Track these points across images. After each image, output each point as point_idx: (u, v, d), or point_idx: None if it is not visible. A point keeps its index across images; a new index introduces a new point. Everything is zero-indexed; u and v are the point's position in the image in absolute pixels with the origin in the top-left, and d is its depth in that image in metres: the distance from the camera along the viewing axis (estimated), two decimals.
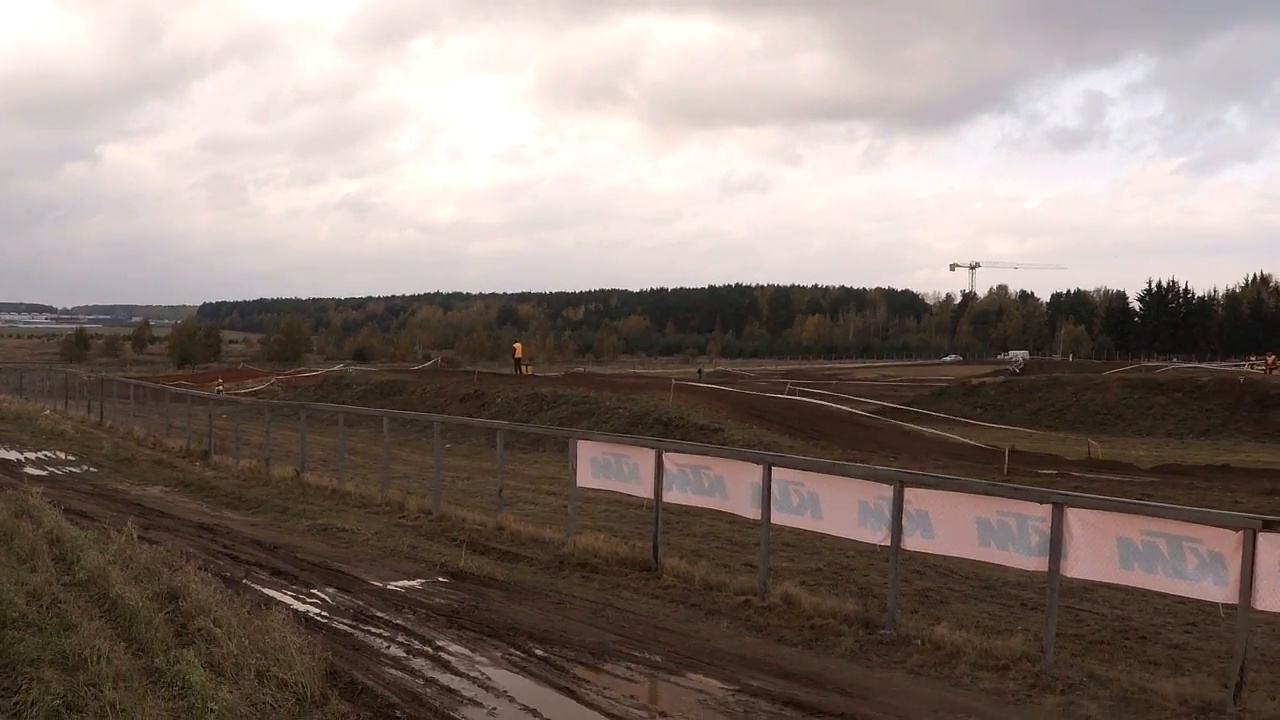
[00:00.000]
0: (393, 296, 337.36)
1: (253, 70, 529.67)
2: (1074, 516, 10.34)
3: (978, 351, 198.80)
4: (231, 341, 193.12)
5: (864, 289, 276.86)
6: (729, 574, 14.69)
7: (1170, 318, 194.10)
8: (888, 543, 11.99)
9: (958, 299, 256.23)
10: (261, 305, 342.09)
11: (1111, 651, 11.68)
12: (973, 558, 11.98)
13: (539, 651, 11.05)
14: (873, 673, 10.75)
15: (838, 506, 12.63)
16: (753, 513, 13.77)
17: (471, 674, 10.30)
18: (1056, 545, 10.31)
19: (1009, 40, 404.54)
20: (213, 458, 29.37)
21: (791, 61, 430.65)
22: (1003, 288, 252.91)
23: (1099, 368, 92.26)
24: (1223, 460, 35.08)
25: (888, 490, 11.98)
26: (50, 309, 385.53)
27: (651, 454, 15.49)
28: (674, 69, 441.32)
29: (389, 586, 14.07)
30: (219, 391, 52.78)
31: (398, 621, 12.22)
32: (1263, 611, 9.44)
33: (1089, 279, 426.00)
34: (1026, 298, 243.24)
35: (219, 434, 31.87)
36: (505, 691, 9.80)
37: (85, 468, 28.07)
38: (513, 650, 11.09)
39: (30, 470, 26.57)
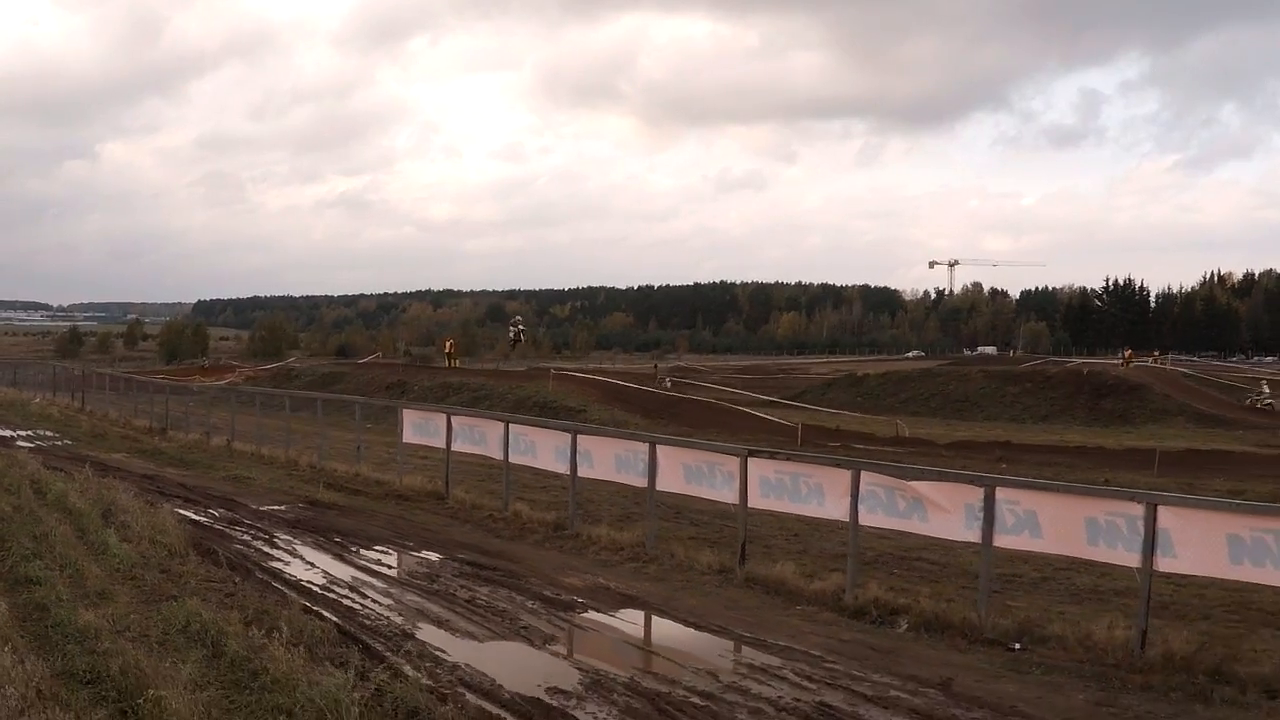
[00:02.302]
0: (384, 294, 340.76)
1: (250, 69, 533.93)
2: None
3: (944, 347, 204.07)
4: (222, 338, 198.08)
5: (842, 286, 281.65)
6: (492, 500, 21.05)
7: (1127, 315, 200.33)
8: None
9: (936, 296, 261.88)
10: (255, 303, 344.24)
11: (687, 540, 17.37)
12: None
13: (337, 539, 17.63)
14: (538, 551, 17.22)
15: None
16: (505, 457, 20.42)
17: (286, 549, 16.86)
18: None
19: (1003, 39, 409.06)
20: (169, 433, 35.85)
21: (787, 60, 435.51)
22: (977, 285, 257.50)
23: (1016, 361, 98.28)
24: (1019, 439, 40.90)
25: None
26: (46, 306, 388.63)
27: (443, 417, 22.40)
28: (670, 67, 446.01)
29: (260, 508, 20.72)
30: (196, 381, 59.06)
31: (255, 525, 18.88)
32: (752, 509, 15.41)
33: (1083, 276, 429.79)
34: (996, 295, 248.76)
35: (179, 416, 38.35)
36: (302, 555, 16.34)
37: (65, 441, 34.29)
38: (321, 538, 17.65)
39: (21, 443, 33.01)
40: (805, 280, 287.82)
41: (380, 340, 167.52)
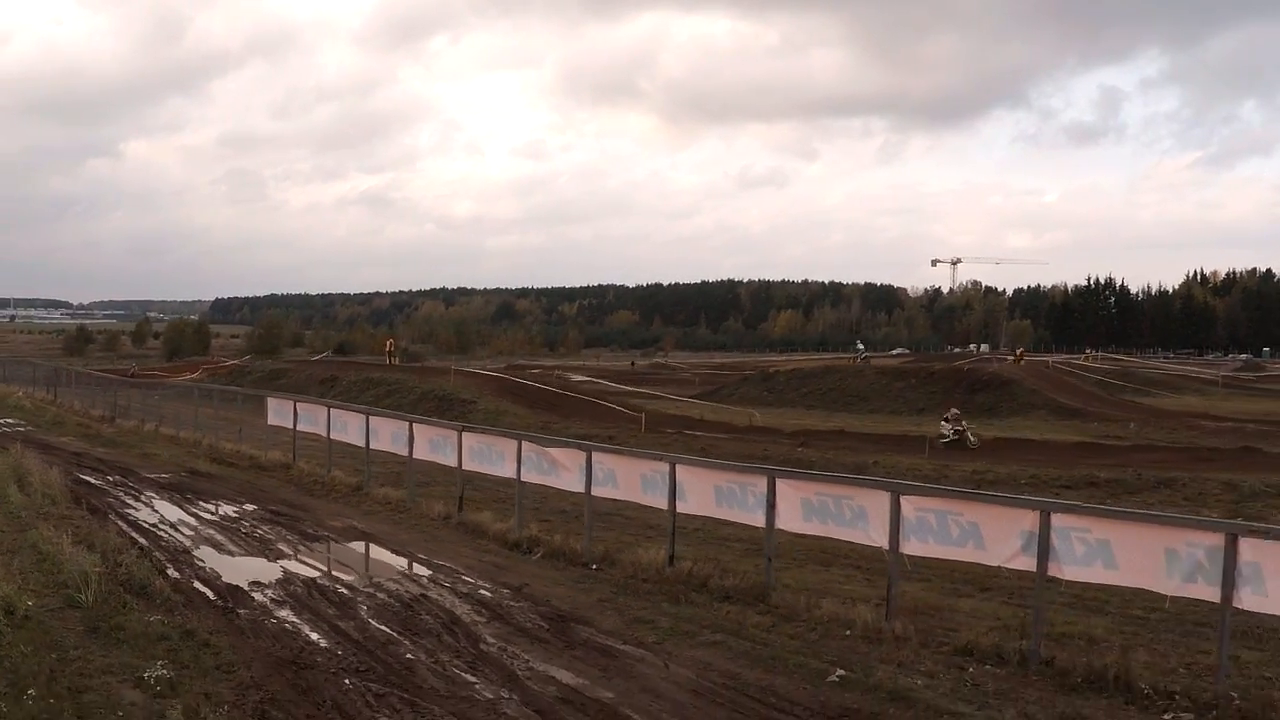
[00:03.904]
0: (399, 292, 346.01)
1: (273, 68, 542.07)
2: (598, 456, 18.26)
3: (933, 345, 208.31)
4: (233, 336, 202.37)
5: (842, 284, 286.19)
6: (321, 469, 26.44)
7: (1106, 313, 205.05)
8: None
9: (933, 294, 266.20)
10: (271, 300, 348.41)
11: (442, 498, 21.95)
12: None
13: (189, 496, 23.39)
14: (329, 504, 22.84)
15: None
16: (328, 434, 26.23)
17: (145, 502, 22.62)
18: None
19: (1022, 37, 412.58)
20: (117, 421, 41.45)
21: (807, 57, 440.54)
22: (976, 283, 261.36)
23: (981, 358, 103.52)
24: (860, 428, 45.90)
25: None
26: (67, 304, 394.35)
27: (291, 404, 28.35)
28: (690, 65, 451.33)
29: (148, 475, 26.49)
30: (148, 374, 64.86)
31: (134, 486, 24.71)
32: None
33: (1107, 271, 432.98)
34: (990, 293, 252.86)
35: (137, 408, 43.86)
36: (154, 506, 22.09)
37: (27, 427, 39.60)
38: (177, 495, 23.41)
39: None
40: (818, 278, 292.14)
41: (379, 339, 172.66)
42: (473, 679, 11.16)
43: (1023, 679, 11.36)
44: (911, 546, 13.12)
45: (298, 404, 28.93)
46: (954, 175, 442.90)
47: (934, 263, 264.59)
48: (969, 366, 69.93)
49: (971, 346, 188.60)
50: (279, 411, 29.69)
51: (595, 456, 17.79)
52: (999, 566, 12.86)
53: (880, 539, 13.34)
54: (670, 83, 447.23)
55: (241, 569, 16.38)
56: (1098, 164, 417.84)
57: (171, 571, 15.92)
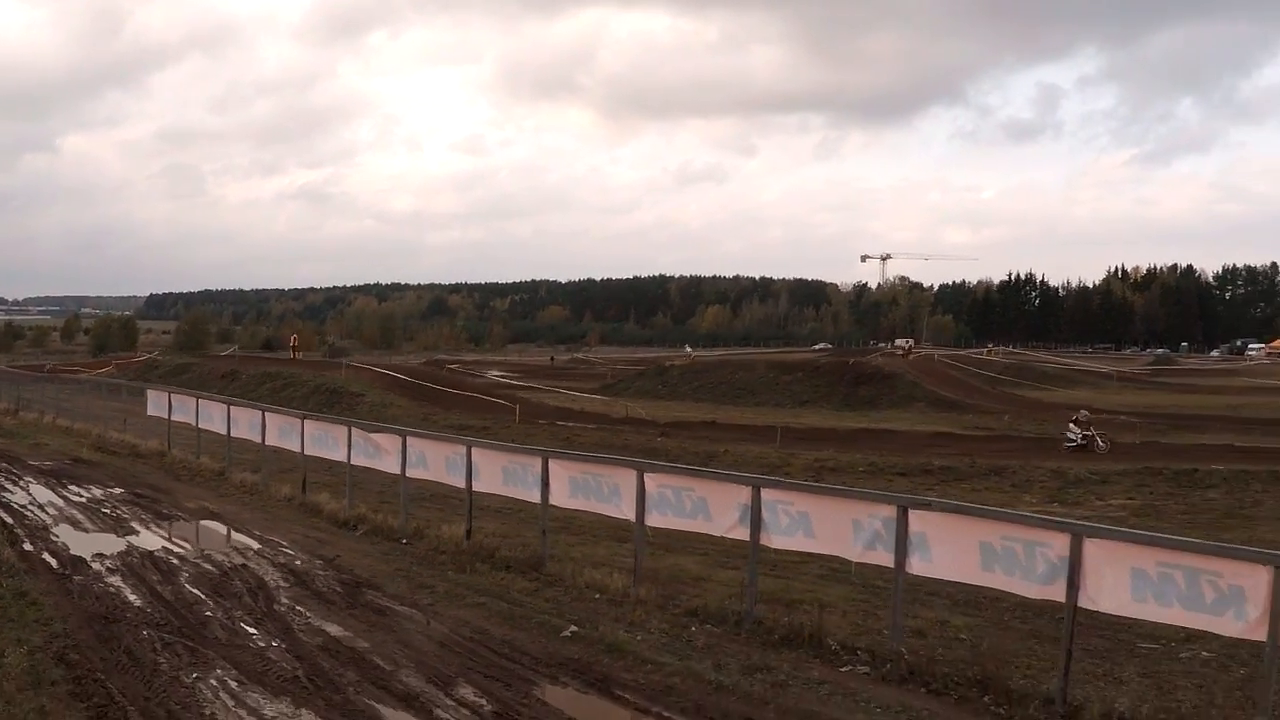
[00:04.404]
0: (334, 287, 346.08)
1: (212, 62, 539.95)
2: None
3: (857, 339, 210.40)
4: (164, 332, 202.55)
5: (772, 279, 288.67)
6: (191, 455, 28.54)
7: (1026, 308, 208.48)
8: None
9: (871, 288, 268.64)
10: (206, 296, 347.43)
11: (297, 482, 23.80)
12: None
13: (66, 481, 25.29)
14: (190, 488, 24.78)
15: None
16: (196, 423, 28.15)
17: (23, 486, 24.52)
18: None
19: (960, 34, 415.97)
20: (19, 414, 43.16)
21: (746, 54, 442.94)
22: (904, 279, 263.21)
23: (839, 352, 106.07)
24: (731, 420, 48.07)
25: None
26: (1, 300, 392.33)
27: (166, 395, 30.31)
28: (630, 61, 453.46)
29: (32, 463, 28.37)
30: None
31: (17, 473, 26.52)
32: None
33: (1041, 268, 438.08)
34: (915, 288, 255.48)
35: (43, 400, 45.56)
36: (30, 490, 23.96)
37: None
38: (54, 481, 25.30)
39: None
40: (757, 274, 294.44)
41: (304, 334, 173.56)
42: (254, 631, 12.95)
43: (734, 636, 12.84)
44: (654, 519, 14.60)
45: (171, 395, 31.02)
46: (892, 171, 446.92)
47: (863, 258, 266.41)
48: (854, 361, 72.16)
49: (898, 341, 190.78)
50: (157, 403, 31.74)
51: (410, 441, 19.81)
52: (722, 536, 14.13)
53: (629, 513, 14.85)
54: (610, 78, 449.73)
55: (91, 543, 18.15)
56: (1035, 161, 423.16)
57: (26, 545, 17.79)
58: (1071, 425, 39.82)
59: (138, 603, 14.19)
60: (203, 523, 20.71)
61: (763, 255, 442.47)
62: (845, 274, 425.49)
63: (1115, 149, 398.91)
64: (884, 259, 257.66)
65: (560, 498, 16.23)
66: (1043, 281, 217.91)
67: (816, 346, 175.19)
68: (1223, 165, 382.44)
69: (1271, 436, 44.29)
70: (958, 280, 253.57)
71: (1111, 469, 31.85)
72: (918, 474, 31.58)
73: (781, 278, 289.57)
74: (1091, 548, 10.46)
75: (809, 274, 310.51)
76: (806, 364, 70.40)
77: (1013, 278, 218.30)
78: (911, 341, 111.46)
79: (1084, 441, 38.38)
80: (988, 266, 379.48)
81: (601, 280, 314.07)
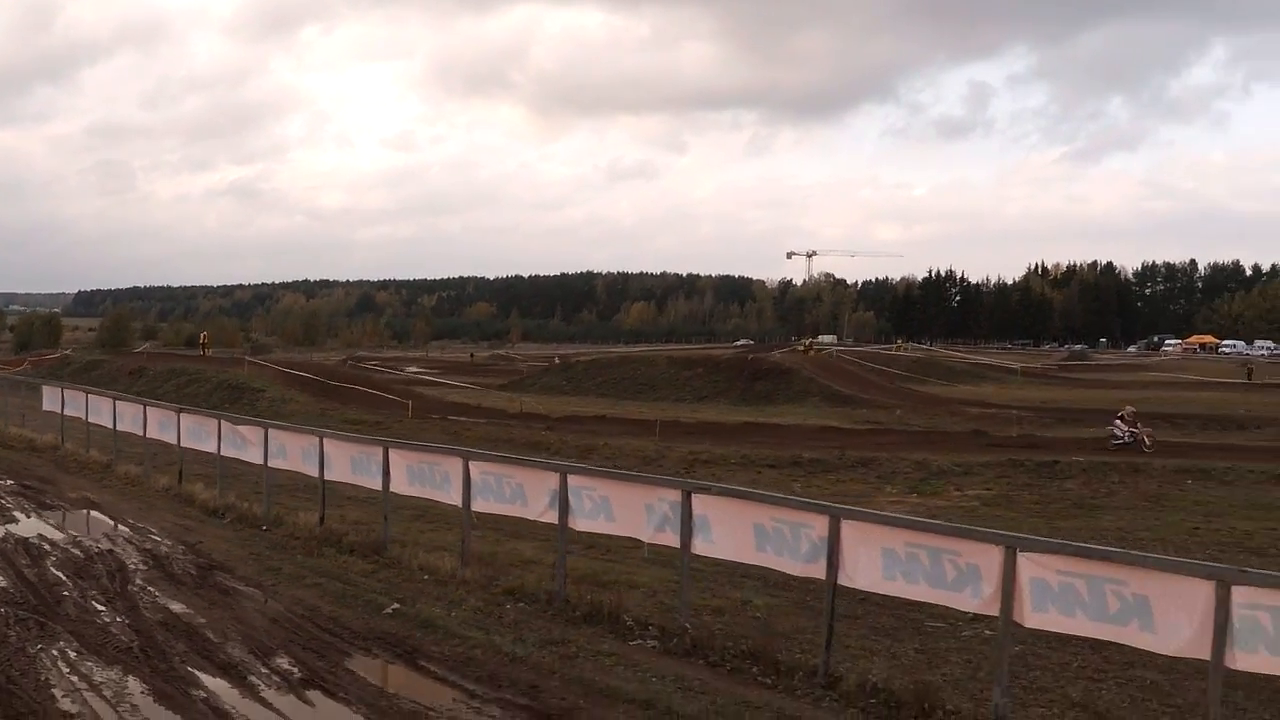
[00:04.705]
0: (262, 284, 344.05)
1: (144, 57, 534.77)
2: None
3: (779, 335, 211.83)
4: (90, 329, 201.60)
5: (698, 275, 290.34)
6: (82, 449, 29.66)
7: (947, 304, 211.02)
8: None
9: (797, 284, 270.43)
10: (135, 293, 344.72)
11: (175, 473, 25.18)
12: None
13: None
14: (76, 479, 25.92)
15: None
16: (85, 417, 29.29)
17: None
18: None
19: (892, 32, 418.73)
20: None
21: (678, 50, 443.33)
22: (828, 275, 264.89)
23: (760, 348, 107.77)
24: (619, 414, 49.16)
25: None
26: None
27: (60, 390, 31.48)
28: (562, 57, 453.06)
29: None
30: None
31: None
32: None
33: (973, 265, 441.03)
34: (839, 285, 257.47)
35: None
36: None
37: None
38: None
39: None
40: (688, 271, 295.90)
41: (228, 331, 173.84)
42: (103, 609, 14.05)
43: (542, 614, 13.77)
44: (479, 504, 15.66)
45: (65, 391, 32.12)
46: (824, 168, 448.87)
47: (789, 255, 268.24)
48: (752, 357, 73.82)
49: (821, 337, 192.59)
50: (51, 398, 32.83)
51: (271, 433, 21.15)
52: (536, 519, 15.04)
53: (457, 499, 16.00)
54: (541, 75, 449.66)
55: None
56: (967, 158, 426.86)
57: None
58: (1117, 422, 39.50)
59: (2, 583, 15.26)
60: (81, 512, 21.84)
61: (693, 252, 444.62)
62: (774, 271, 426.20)
63: (1046, 146, 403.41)
64: (809, 256, 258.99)
65: (400, 485, 17.37)
66: (963, 278, 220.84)
67: (738, 343, 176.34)
68: (1152, 163, 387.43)
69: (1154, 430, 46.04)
70: (881, 277, 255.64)
71: (975, 460, 33.34)
72: (787, 466, 32.78)
73: (710, 274, 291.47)
74: (848, 529, 11.24)
75: (740, 271, 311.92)
76: (706, 360, 71.88)
77: (933, 274, 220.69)
78: (811, 339, 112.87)
79: (1130, 439, 38.07)
80: (919, 263, 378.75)
81: (530, 277, 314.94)
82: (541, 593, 14.49)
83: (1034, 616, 10.01)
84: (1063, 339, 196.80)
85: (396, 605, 14.14)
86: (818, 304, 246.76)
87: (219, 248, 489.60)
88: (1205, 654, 8.98)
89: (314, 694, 10.93)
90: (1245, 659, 8.83)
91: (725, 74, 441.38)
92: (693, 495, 12.78)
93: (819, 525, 11.40)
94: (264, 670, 11.56)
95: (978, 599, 10.31)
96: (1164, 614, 9.25)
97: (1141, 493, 29.56)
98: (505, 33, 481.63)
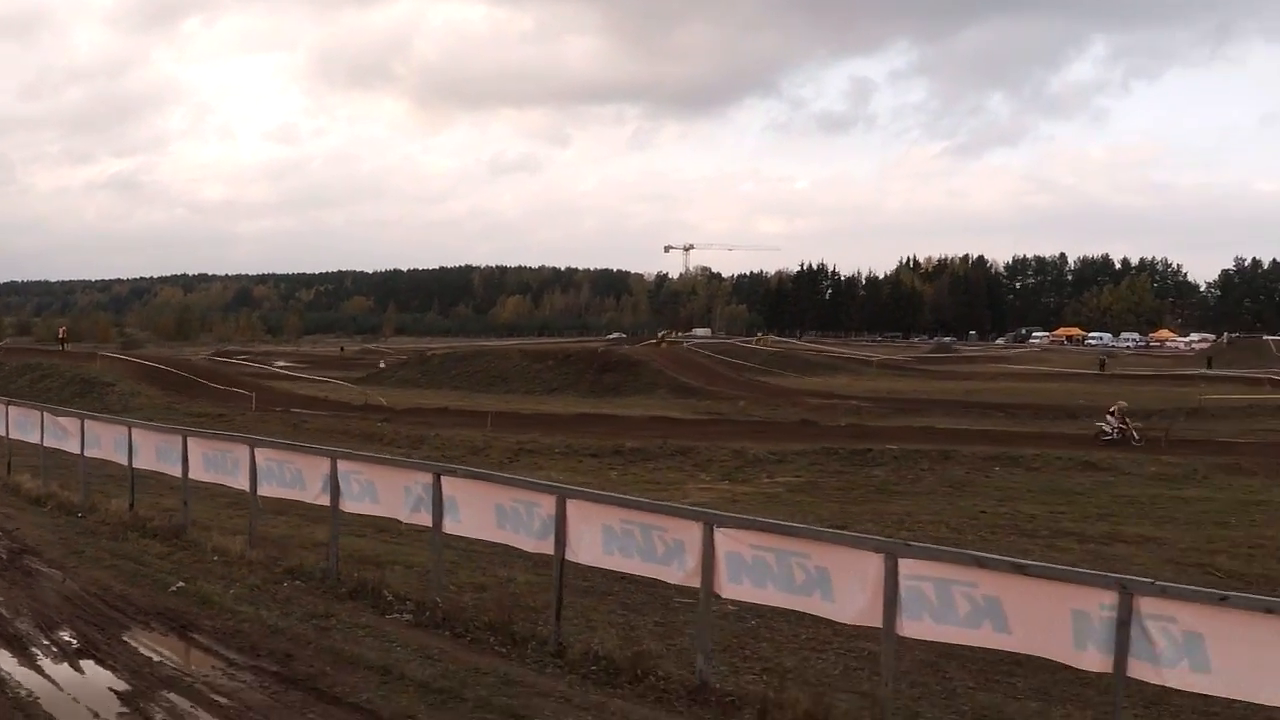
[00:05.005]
0: (140, 278, 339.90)
1: (22, 48, 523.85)
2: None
3: (654, 328, 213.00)
4: None
5: (576, 269, 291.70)
6: None
7: (819, 298, 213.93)
8: None
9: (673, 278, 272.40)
10: (12, 288, 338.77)
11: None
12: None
13: None
14: None
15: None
16: None
17: None
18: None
19: (776, 27, 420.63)
20: None
21: (561, 44, 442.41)
22: (704, 269, 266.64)
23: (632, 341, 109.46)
24: (465, 406, 50.19)
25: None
26: None
27: None
28: (445, 50, 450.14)
29: None
30: None
31: None
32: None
33: (853, 259, 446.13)
34: (714, 279, 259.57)
35: None
36: None
37: None
38: None
39: None
40: (571, 265, 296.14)
41: (100, 326, 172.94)
42: None
43: (314, 590, 14.37)
44: (264, 489, 16.44)
45: None
46: (706, 162, 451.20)
47: (666, 249, 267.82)
48: (603, 349, 75.37)
49: (695, 330, 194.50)
50: None
51: (87, 424, 22.22)
52: (312, 502, 15.65)
53: (244, 484, 16.81)
54: (424, 67, 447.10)
55: None
56: (848, 152, 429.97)
57: None
58: (1108, 417, 40.43)
59: None
60: None
61: (575, 246, 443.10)
62: (654, 265, 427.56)
63: (927, 141, 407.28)
64: (687, 249, 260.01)
65: (197, 471, 18.37)
66: (834, 272, 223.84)
67: (610, 336, 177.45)
68: (1032, 158, 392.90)
69: (985, 419, 48.86)
70: (757, 270, 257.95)
71: (792, 449, 34.88)
72: (609, 455, 34.26)
73: (588, 268, 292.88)
74: (573, 507, 11.92)
75: (621, 265, 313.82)
76: (558, 353, 73.16)
77: (805, 268, 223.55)
78: (666, 332, 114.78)
79: (1118, 435, 39.14)
80: (800, 256, 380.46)
81: (409, 271, 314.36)
82: (317, 571, 15.19)
83: (730, 588, 10.67)
84: (933, 331, 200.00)
85: (181, 584, 14.73)
86: (693, 297, 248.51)
87: (99, 241, 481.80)
88: (878, 622, 9.63)
89: (86, 663, 11.55)
90: (912, 626, 9.50)
91: (609, 68, 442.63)
92: (442, 477, 13.54)
93: (547, 504, 12.14)
94: (45, 642, 12.21)
95: (682, 572, 10.92)
96: (842, 585, 9.89)
97: (947, 479, 31.26)
98: (388, 25, 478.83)
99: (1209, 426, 47.43)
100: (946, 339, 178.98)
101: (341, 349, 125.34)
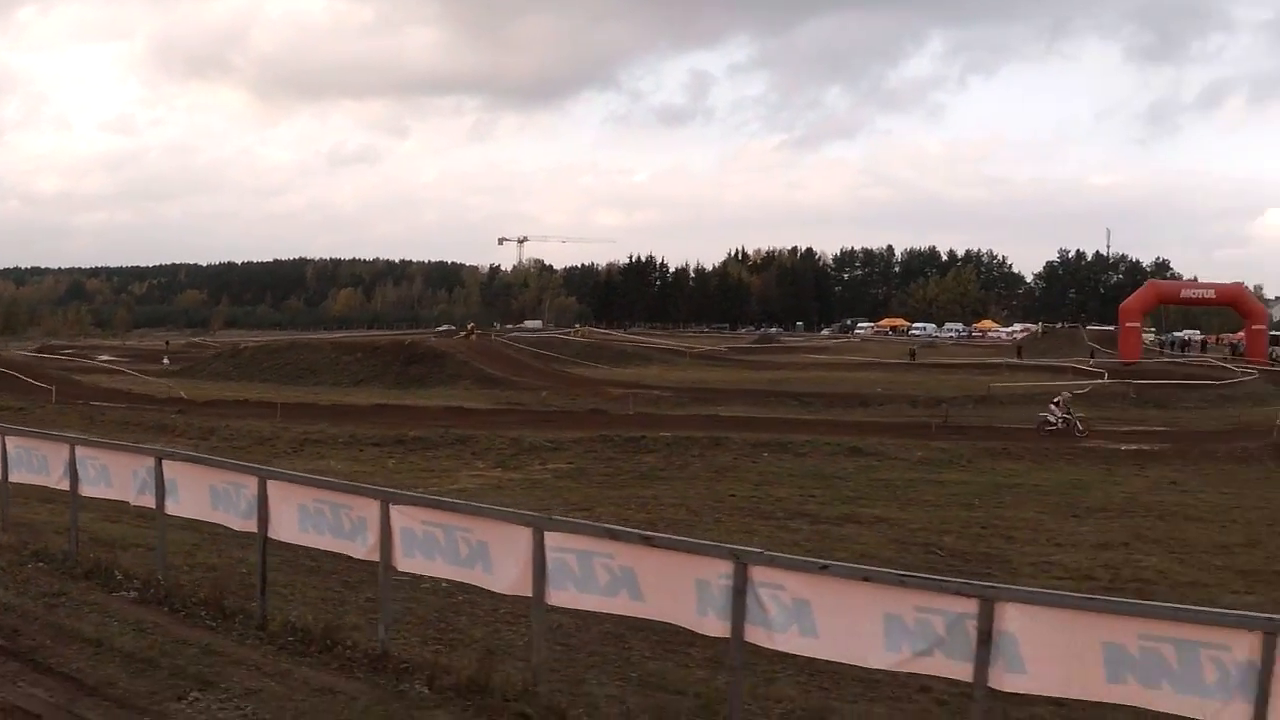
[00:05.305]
0: None
1: None
2: None
3: (486, 321, 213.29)
4: None
5: (410, 261, 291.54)
6: None
7: (648, 289, 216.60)
8: None
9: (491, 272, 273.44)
10: None
11: None
12: None
13: None
14: None
15: None
16: None
17: None
18: None
19: (616, 19, 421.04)
20: None
21: (402, 35, 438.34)
22: (538, 261, 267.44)
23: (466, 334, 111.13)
24: (283, 399, 49.34)
25: None
26: None
27: None
28: (284, 40, 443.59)
29: None
30: None
31: None
32: None
33: (694, 251, 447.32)
34: (545, 271, 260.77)
35: None
36: None
37: None
38: None
39: None
40: (409, 257, 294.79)
41: None
42: None
43: (54, 572, 14.68)
44: (15, 475, 16.72)
45: None
46: (546, 154, 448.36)
47: (500, 241, 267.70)
48: (409, 341, 76.46)
49: (527, 322, 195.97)
50: None
51: None
52: (55, 486, 15.92)
53: None
54: (263, 58, 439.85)
55: None
56: (688, 145, 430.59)
57: None
58: (1052, 407, 41.65)
59: None
60: None
61: (413, 238, 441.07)
62: (491, 257, 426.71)
63: (765, 134, 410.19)
64: (521, 241, 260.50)
65: None
66: (663, 264, 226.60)
67: (440, 328, 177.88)
68: (869, 151, 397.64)
69: (781, 407, 51.26)
70: (588, 263, 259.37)
71: (567, 437, 36.55)
72: (391, 444, 35.71)
73: (424, 260, 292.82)
74: (274, 488, 12.45)
75: (457, 257, 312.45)
76: (366, 345, 74.47)
77: (634, 260, 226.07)
78: (473, 324, 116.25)
79: (1063, 425, 40.35)
80: (641, 248, 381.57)
81: (243, 264, 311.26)
82: (59, 553, 15.47)
83: (405, 561, 11.23)
84: (760, 323, 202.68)
85: None
86: (524, 289, 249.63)
87: None
88: (529, 591, 10.18)
89: None
90: (558, 595, 10.10)
91: (449, 59, 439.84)
92: (163, 461, 14.00)
93: (251, 485, 12.66)
94: None
95: (364, 547, 11.44)
96: (499, 557, 10.45)
97: (714, 465, 33.02)
98: (227, 15, 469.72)
99: (994, 413, 49.67)
100: (772, 330, 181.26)
101: (167, 343, 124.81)
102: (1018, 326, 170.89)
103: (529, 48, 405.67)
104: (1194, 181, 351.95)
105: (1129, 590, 17.71)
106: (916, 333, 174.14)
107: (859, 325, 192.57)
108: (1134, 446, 38.04)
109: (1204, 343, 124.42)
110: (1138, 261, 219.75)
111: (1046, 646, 7.95)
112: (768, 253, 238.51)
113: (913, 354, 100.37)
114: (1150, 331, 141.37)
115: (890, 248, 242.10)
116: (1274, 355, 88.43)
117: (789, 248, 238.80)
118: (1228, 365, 74.23)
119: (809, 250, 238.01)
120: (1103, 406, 52.39)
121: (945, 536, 22.96)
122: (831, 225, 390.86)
